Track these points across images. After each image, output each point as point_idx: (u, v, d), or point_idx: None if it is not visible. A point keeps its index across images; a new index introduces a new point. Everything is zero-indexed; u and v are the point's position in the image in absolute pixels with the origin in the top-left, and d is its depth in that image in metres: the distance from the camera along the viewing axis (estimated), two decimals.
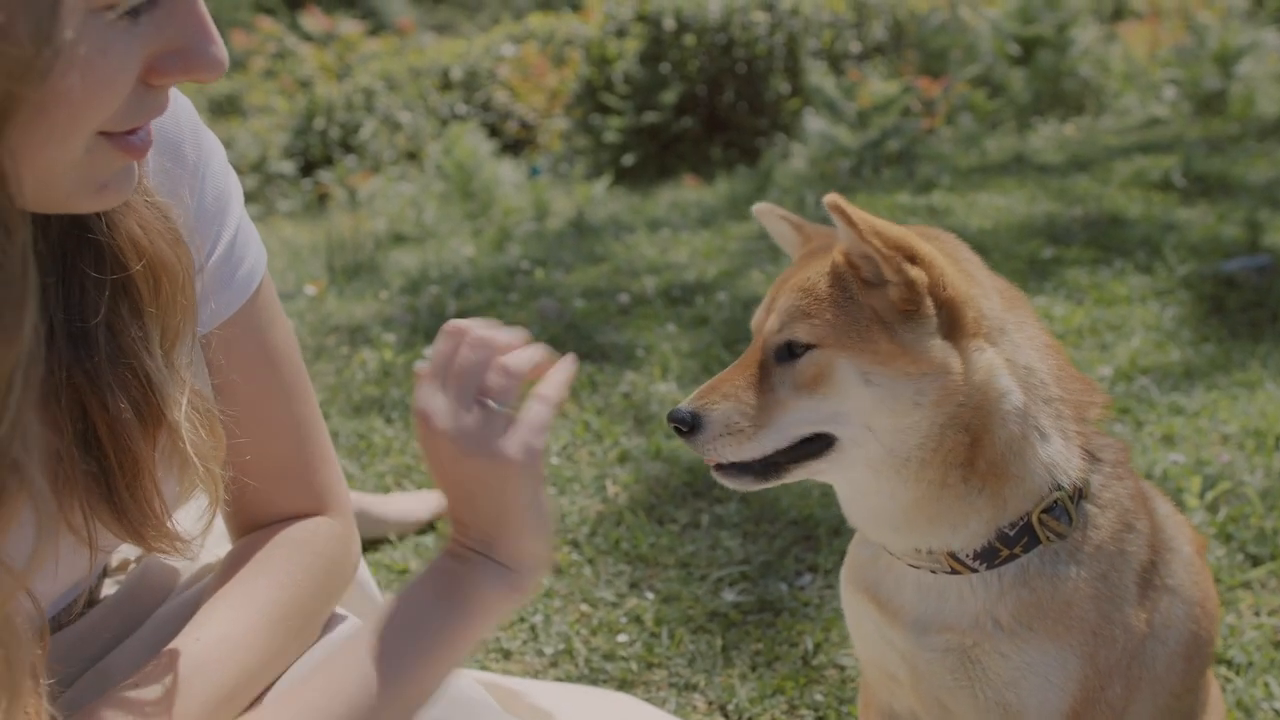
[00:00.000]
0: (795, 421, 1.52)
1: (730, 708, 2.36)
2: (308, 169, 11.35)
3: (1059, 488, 1.54)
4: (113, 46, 0.91)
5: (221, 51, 0.99)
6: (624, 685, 2.43)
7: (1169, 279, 4.74)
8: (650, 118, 9.66)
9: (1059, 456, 1.55)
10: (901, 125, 7.75)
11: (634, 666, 2.49)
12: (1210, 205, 5.88)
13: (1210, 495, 2.93)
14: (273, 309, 1.39)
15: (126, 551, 1.50)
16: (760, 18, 10.00)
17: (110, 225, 1.11)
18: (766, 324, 1.58)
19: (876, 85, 8.96)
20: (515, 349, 1.25)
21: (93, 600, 1.41)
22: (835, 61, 11.23)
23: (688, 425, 1.55)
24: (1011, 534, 1.53)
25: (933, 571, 1.57)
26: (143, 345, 1.14)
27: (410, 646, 1.21)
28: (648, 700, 2.36)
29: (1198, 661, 1.69)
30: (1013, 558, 1.54)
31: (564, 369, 1.29)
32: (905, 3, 12.38)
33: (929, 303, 1.50)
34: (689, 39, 9.82)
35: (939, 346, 1.50)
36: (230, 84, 14.45)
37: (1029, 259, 5.13)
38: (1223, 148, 7.32)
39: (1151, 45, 11.64)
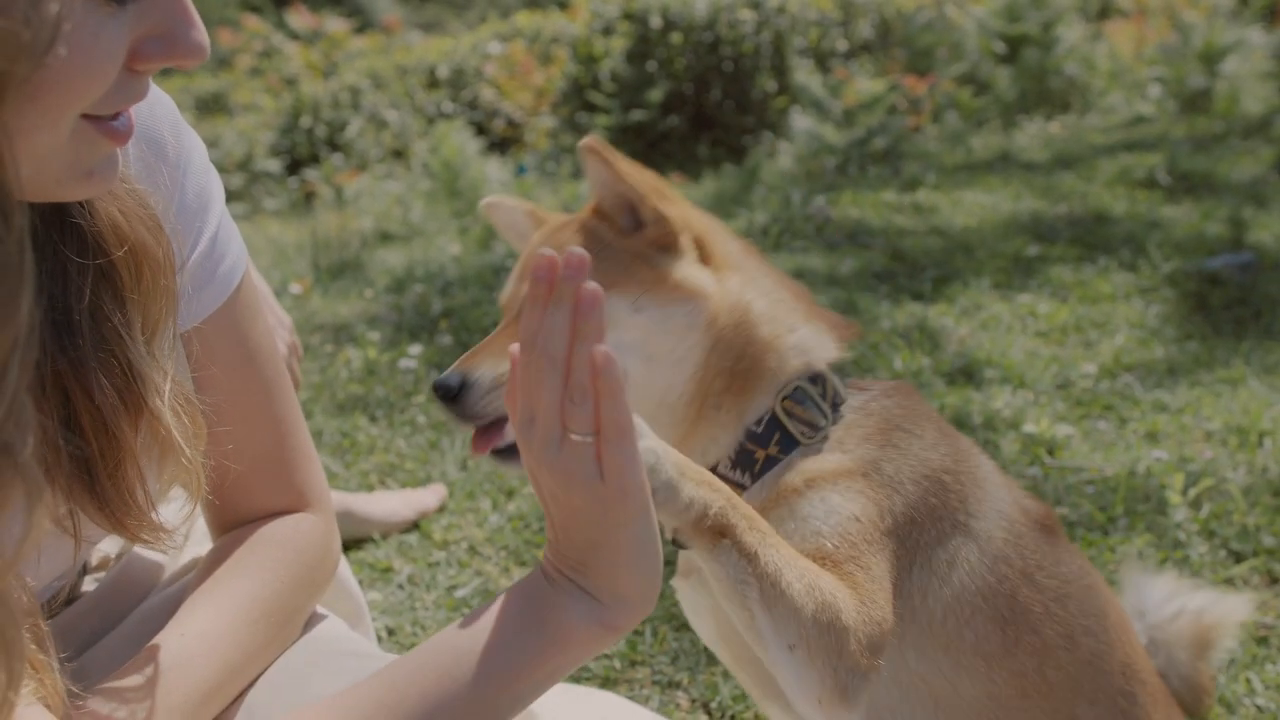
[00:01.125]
0: None
1: (713, 705, 2.36)
2: (294, 167, 11.32)
3: (811, 372, 1.55)
4: (103, 31, 0.91)
5: (203, 36, 1.00)
6: (607, 683, 2.43)
7: (1153, 276, 4.75)
8: (637, 116, 9.67)
9: (809, 341, 1.58)
10: (887, 123, 7.76)
11: (617, 664, 2.49)
12: (1194, 203, 5.90)
13: (1193, 492, 2.94)
14: (254, 307, 1.39)
15: (107, 548, 1.50)
16: (747, 16, 10.00)
17: (91, 211, 1.11)
18: (522, 289, 1.54)
19: (863, 83, 8.98)
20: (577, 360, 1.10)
21: (72, 597, 1.41)
22: (822, 60, 11.25)
23: (454, 390, 1.41)
24: (759, 430, 1.52)
25: None
26: (125, 332, 1.14)
27: (479, 666, 1.15)
28: (631, 698, 2.36)
29: (1024, 637, 1.53)
30: (771, 461, 1.51)
31: (612, 388, 1.09)
32: (892, 1, 12.41)
33: (685, 237, 1.56)
34: (675, 37, 9.82)
35: (697, 273, 1.56)
36: (216, 82, 14.42)
37: (1014, 256, 5.14)
38: (1207, 146, 7.35)
39: (1137, 43, 11.69)
